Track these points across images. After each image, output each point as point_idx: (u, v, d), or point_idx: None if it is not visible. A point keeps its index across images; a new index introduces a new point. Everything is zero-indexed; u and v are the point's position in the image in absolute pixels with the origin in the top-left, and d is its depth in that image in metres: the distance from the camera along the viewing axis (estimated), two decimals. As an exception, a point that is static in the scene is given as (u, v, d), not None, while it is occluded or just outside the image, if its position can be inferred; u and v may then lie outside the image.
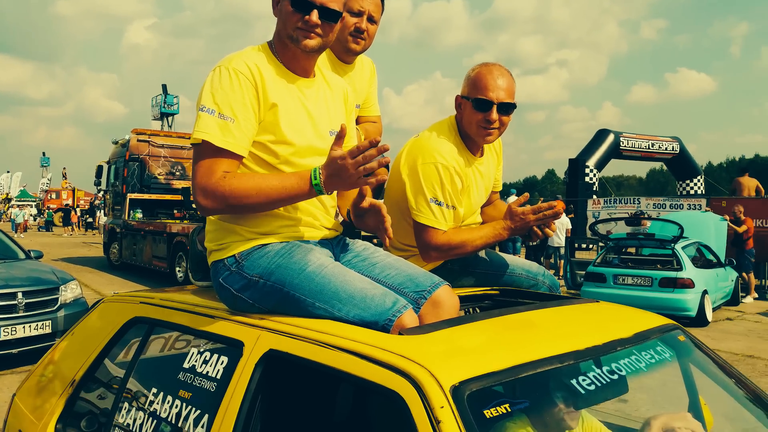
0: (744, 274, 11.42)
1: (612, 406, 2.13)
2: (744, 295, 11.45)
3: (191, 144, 1.70)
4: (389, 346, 1.34)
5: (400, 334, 1.45)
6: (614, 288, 8.95)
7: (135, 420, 1.82)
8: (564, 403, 1.45)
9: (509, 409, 1.22)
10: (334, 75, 1.99)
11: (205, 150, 1.66)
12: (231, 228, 1.77)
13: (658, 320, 1.81)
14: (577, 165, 19.92)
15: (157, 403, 1.77)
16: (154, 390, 1.81)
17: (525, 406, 1.32)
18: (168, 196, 16.31)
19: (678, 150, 22.53)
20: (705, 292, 8.76)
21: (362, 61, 2.63)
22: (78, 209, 37.57)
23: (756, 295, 11.71)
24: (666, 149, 22.27)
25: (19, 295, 5.99)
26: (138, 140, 16.10)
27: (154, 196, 16.09)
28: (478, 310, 2.16)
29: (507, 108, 2.17)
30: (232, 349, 1.64)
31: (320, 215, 1.85)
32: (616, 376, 1.45)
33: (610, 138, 20.99)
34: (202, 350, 1.75)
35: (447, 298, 1.74)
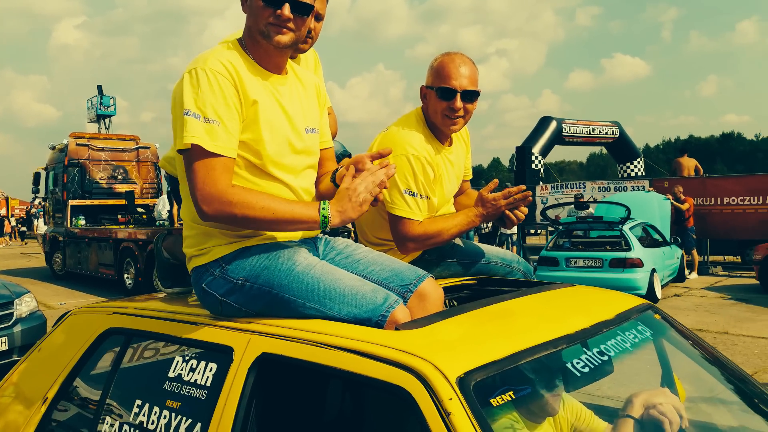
0: (688, 252, 11.93)
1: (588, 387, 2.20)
2: (689, 271, 11.98)
3: (178, 150, 1.66)
4: (388, 342, 1.35)
5: (396, 329, 1.46)
6: (567, 271, 9.21)
7: (119, 434, 1.76)
8: (558, 386, 1.49)
9: (514, 396, 1.25)
10: (304, 70, 1.97)
11: (196, 155, 1.61)
12: (212, 232, 1.73)
13: (633, 301, 1.88)
14: (523, 152, 20.34)
15: (143, 415, 1.73)
16: (139, 402, 1.76)
17: (527, 392, 1.35)
18: (111, 201, 15.82)
19: (617, 134, 23.28)
20: (653, 271, 9.12)
21: (305, 53, 2.61)
22: (12, 219, 35.97)
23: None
24: (606, 134, 22.97)
25: None
26: (77, 144, 15.53)
27: (96, 202, 15.57)
28: (455, 303, 2.19)
29: (471, 95, 2.21)
30: (221, 355, 1.61)
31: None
32: (605, 357, 1.50)
33: (553, 125, 21.52)
34: (187, 358, 1.71)
35: (432, 290, 1.76)
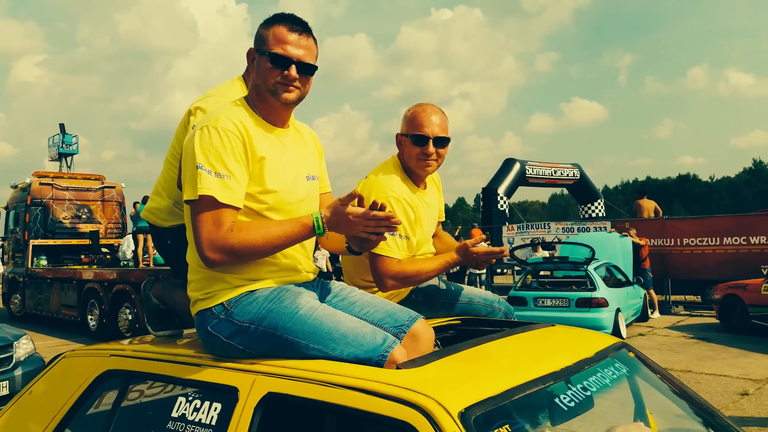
0: (648, 292, 12.29)
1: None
2: (651, 311, 12.32)
3: (185, 200, 1.76)
4: (392, 380, 1.46)
5: (397, 368, 1.56)
6: (535, 310, 9.39)
7: (120, 475, 1.80)
8: (546, 420, 1.61)
9: (510, 430, 1.36)
10: (300, 123, 2.11)
11: (206, 206, 1.72)
12: (218, 276, 1.82)
13: (609, 339, 2.02)
14: (489, 193, 20.78)
15: (146, 456, 1.77)
16: (140, 443, 1.81)
17: (519, 426, 1.47)
18: (74, 241, 15.53)
19: (578, 176, 23.98)
20: (618, 310, 9.37)
21: None
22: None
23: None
24: (567, 175, 23.65)
25: None
26: (40, 183, 15.32)
27: (59, 242, 15.28)
28: (439, 343, 2.30)
29: (442, 141, 2.43)
30: (226, 395, 1.68)
31: (302, 259, 1.95)
32: (588, 393, 1.63)
33: (517, 167, 22.09)
34: (191, 398, 1.78)
35: (424, 330, 1.87)
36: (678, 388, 2.09)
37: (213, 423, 1.67)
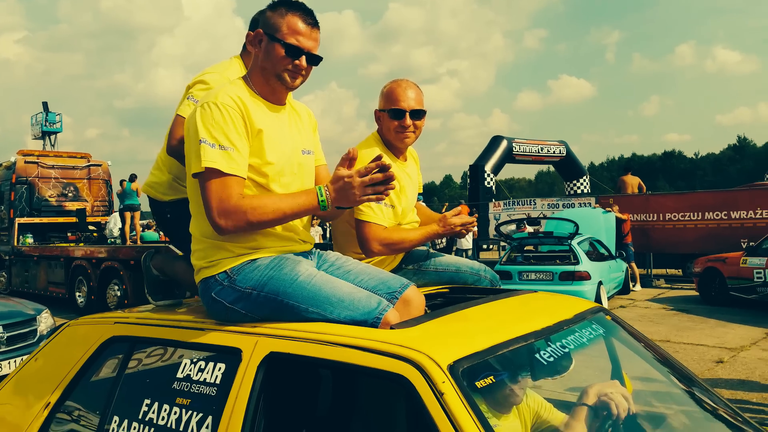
0: (630, 265, 12.56)
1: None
2: (633, 284, 12.60)
3: (192, 174, 1.85)
4: (387, 338, 1.58)
5: (391, 328, 1.68)
6: (520, 284, 9.59)
7: (129, 431, 1.92)
8: (527, 374, 1.74)
9: (494, 380, 1.49)
10: (298, 102, 2.20)
11: (212, 177, 1.82)
12: (221, 245, 1.92)
13: (588, 304, 2.16)
14: (477, 170, 20.92)
15: (153, 413, 1.89)
16: (147, 401, 1.92)
17: (504, 377, 1.60)
18: (61, 219, 15.49)
19: (565, 153, 24.19)
20: (600, 283, 9.60)
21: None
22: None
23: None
24: (554, 152, 23.84)
25: (0, 328, 5.69)
26: (26, 162, 15.21)
27: (45, 220, 15.23)
28: (428, 310, 2.43)
29: (418, 113, 2.56)
30: (230, 356, 1.80)
31: (300, 230, 2.05)
32: (566, 350, 1.76)
33: (504, 144, 22.23)
34: (195, 360, 1.89)
35: (415, 296, 1.99)
36: (653, 350, 2.23)
37: (217, 382, 1.79)
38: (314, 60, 2.00)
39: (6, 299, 6.76)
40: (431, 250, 2.74)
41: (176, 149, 2.27)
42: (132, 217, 14.46)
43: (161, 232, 15.33)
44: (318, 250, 2.17)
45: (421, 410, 1.40)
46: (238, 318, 1.90)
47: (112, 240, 15.28)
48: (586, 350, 1.96)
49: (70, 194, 16.03)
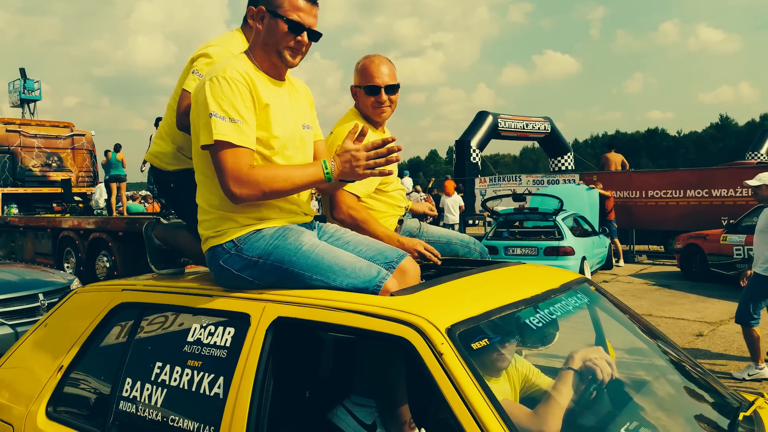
0: (613, 241, 12.81)
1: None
2: (616, 259, 12.88)
3: (203, 146, 1.93)
4: (388, 304, 1.70)
5: (392, 295, 1.80)
6: (506, 258, 9.77)
7: (142, 392, 2.03)
8: (518, 338, 1.87)
9: (488, 342, 1.62)
10: (295, 78, 2.28)
11: (224, 149, 1.90)
12: (228, 216, 2.02)
13: (573, 275, 2.29)
14: (462, 146, 21.01)
15: (165, 375, 2.00)
16: (159, 364, 2.03)
17: (497, 340, 1.73)
18: (45, 189, 15.39)
19: (549, 129, 24.32)
20: (584, 258, 9.81)
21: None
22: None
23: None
24: (539, 129, 23.97)
25: (41, 296, 5.96)
26: (7, 131, 15.03)
27: (30, 190, 15.13)
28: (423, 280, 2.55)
29: (392, 88, 2.67)
30: (238, 321, 1.91)
31: (302, 203, 2.15)
32: (554, 317, 1.89)
33: (489, 119, 22.30)
34: (204, 325, 1.99)
35: (411, 266, 2.10)
36: (635, 319, 2.37)
37: (227, 345, 1.90)
38: (315, 36, 2.07)
39: (40, 269, 7.08)
40: (423, 223, 2.86)
41: (185, 123, 2.34)
42: (118, 188, 14.40)
43: (147, 204, 15.29)
44: (318, 222, 2.27)
45: (422, 370, 1.52)
46: (245, 285, 2.00)
47: (98, 211, 15.23)
48: (572, 318, 2.10)
49: (54, 164, 15.91)
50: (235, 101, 1.92)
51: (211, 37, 2.65)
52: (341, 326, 1.71)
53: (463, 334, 1.58)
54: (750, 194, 6.11)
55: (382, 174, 1.96)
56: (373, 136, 2.60)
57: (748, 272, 5.49)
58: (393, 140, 1.92)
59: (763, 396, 2.14)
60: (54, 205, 15.26)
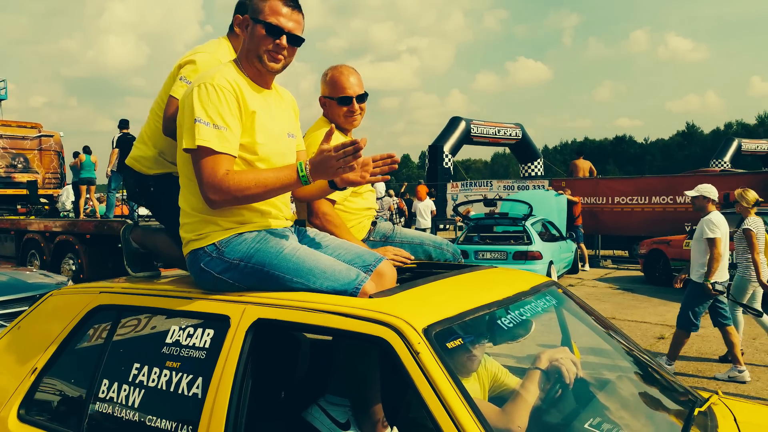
0: (579, 246, 13.08)
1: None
2: (582, 264, 13.15)
3: (186, 149, 1.97)
4: (367, 306, 1.76)
5: (370, 297, 1.86)
6: (476, 263, 9.91)
7: (119, 393, 2.05)
8: (489, 338, 1.95)
9: (462, 342, 1.70)
10: (282, 88, 2.33)
11: (205, 154, 1.95)
12: (209, 219, 2.06)
13: (542, 278, 2.38)
14: (436, 151, 21.17)
15: (143, 375, 2.02)
16: (137, 365, 2.06)
17: (470, 340, 1.80)
18: (9, 191, 15.07)
19: (521, 135, 24.65)
20: (551, 263, 10.02)
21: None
22: None
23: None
24: (510, 135, 24.29)
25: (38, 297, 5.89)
26: (-30, 130, 14.69)
27: None
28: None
29: (362, 97, 2.77)
30: (218, 322, 1.95)
31: (282, 207, 2.20)
32: (523, 318, 1.98)
33: (462, 125, 22.52)
34: (184, 327, 2.03)
35: (388, 270, 2.16)
36: (599, 321, 2.48)
37: (206, 346, 1.94)
38: (295, 41, 2.11)
39: (31, 270, 7.15)
40: (396, 225, 2.94)
41: (172, 129, 2.38)
42: (88, 191, 14.17)
43: (115, 207, 15.08)
44: (298, 225, 2.32)
45: (400, 368, 1.59)
46: (226, 287, 2.05)
47: (65, 213, 14.96)
48: (540, 319, 2.19)
49: (19, 165, 15.60)
50: (220, 108, 1.96)
51: (184, 38, 2.70)
52: (322, 327, 1.77)
53: (438, 334, 1.66)
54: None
55: (351, 168, 1.98)
56: (341, 139, 2.67)
57: (683, 276, 5.78)
58: (358, 141, 1.95)
59: (717, 394, 2.26)
60: (18, 207, 14.94)
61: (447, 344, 1.68)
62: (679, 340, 5.64)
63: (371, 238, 2.77)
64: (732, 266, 5.94)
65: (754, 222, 5.82)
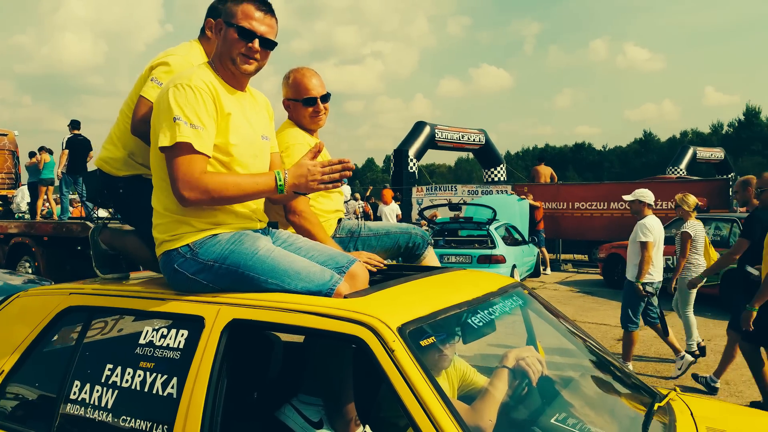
0: (541, 250, 13.35)
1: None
2: (543, 268, 13.41)
3: (162, 148, 1.97)
4: (342, 306, 1.81)
5: (345, 297, 1.90)
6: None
7: (91, 394, 2.04)
8: (460, 336, 2.02)
9: (435, 340, 1.75)
10: (256, 90, 2.36)
11: (182, 152, 1.96)
12: (183, 220, 2.07)
13: (509, 280, 2.46)
14: (401, 155, 21.28)
15: (116, 376, 2.02)
16: (110, 366, 2.05)
17: (442, 338, 1.86)
18: None
19: (484, 141, 24.95)
20: (514, 266, 10.20)
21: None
22: None
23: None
24: (474, 140, 24.56)
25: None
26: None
27: None
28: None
29: (326, 97, 2.83)
30: (193, 323, 1.96)
31: (256, 209, 2.22)
32: (492, 317, 2.05)
33: (427, 130, 22.67)
34: (157, 327, 2.03)
35: (360, 271, 2.20)
36: (562, 320, 2.57)
37: (181, 347, 1.95)
38: (268, 44, 2.15)
39: (10, 272, 7.10)
40: (361, 220, 2.99)
41: (141, 129, 2.37)
42: (46, 191, 13.82)
43: (72, 208, 14.72)
44: (271, 228, 2.34)
45: (375, 366, 1.63)
46: (199, 288, 2.06)
47: (20, 215, 14.55)
48: (507, 318, 2.26)
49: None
50: (197, 108, 1.98)
51: (144, 37, 2.70)
52: (298, 327, 1.80)
53: (412, 333, 1.71)
54: (672, 207, 6.70)
55: (335, 186, 2.05)
56: (308, 139, 2.72)
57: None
58: (348, 161, 2.02)
59: (675, 390, 2.37)
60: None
61: (421, 342, 1.73)
62: (627, 339, 5.87)
63: (338, 235, 2.81)
64: (668, 269, 6.24)
65: (692, 226, 6.17)
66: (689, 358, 5.83)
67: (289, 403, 2.21)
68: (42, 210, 14.20)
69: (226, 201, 2.04)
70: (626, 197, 5.99)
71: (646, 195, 5.82)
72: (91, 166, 12.23)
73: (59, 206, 15.26)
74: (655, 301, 5.84)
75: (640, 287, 5.66)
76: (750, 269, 4.88)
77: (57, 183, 12.67)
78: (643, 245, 5.66)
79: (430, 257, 2.94)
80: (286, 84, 2.80)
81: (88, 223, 9.58)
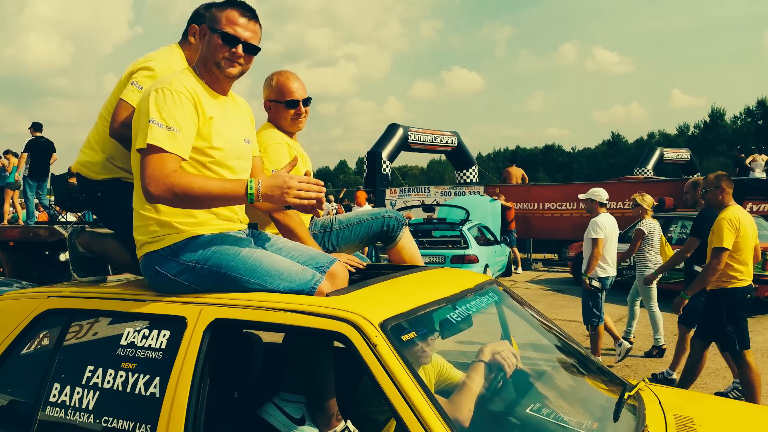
0: (513, 250, 13.55)
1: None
2: (515, 267, 13.61)
3: (137, 149, 1.99)
4: (324, 303, 1.85)
5: (327, 296, 1.94)
6: (415, 267, 10.10)
7: (71, 396, 2.04)
8: (438, 332, 2.07)
9: (415, 335, 1.81)
10: (238, 95, 2.39)
11: (153, 152, 1.97)
12: (165, 222, 2.09)
13: (485, 277, 2.53)
14: (374, 157, 21.34)
15: (97, 378, 2.03)
16: (90, 368, 2.06)
17: (422, 333, 1.92)
18: None
19: (456, 143, 25.16)
20: (486, 266, 10.33)
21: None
22: None
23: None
24: (446, 142, 24.75)
25: None
26: None
27: None
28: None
29: (308, 101, 2.89)
30: (174, 324, 1.98)
31: (238, 211, 2.25)
32: (469, 313, 2.11)
33: (400, 132, 22.78)
34: (138, 329, 2.05)
35: (340, 270, 2.24)
36: (535, 315, 2.65)
37: (163, 347, 1.97)
38: (251, 50, 2.18)
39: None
40: (332, 215, 3.04)
41: (120, 132, 2.38)
42: (12, 196, 13.51)
43: (38, 213, 14.45)
44: (252, 229, 2.37)
45: (358, 361, 1.68)
46: (181, 289, 2.08)
47: (-15, 220, 14.19)
48: (483, 314, 2.33)
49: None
50: (175, 111, 2.00)
51: (112, 39, 2.71)
52: (282, 325, 1.84)
53: (394, 328, 1.77)
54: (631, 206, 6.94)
55: (307, 206, 2.01)
56: (286, 140, 2.76)
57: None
58: (321, 184, 2.03)
59: (644, 380, 2.47)
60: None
61: (402, 337, 1.79)
62: (594, 334, 6.07)
63: (312, 232, 2.84)
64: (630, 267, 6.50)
65: (647, 224, 6.50)
66: (626, 344, 6.13)
67: (270, 401, 2.24)
68: (8, 215, 13.89)
69: (192, 201, 1.99)
70: (581, 196, 6.30)
71: (599, 194, 6.10)
72: (54, 168, 12.02)
73: (24, 210, 14.94)
74: (601, 295, 6.01)
75: (587, 281, 5.90)
76: (697, 268, 5.15)
77: (21, 187, 12.41)
78: (594, 242, 5.90)
79: (407, 238, 2.92)
80: (269, 86, 2.83)
81: (56, 227, 9.43)
